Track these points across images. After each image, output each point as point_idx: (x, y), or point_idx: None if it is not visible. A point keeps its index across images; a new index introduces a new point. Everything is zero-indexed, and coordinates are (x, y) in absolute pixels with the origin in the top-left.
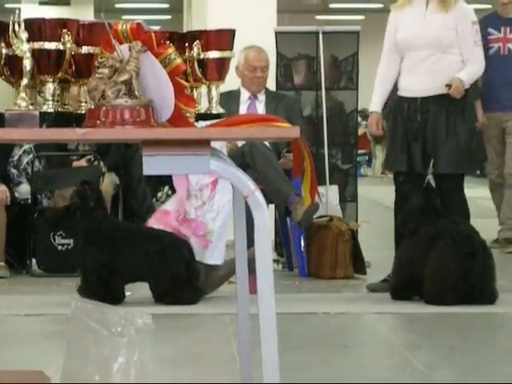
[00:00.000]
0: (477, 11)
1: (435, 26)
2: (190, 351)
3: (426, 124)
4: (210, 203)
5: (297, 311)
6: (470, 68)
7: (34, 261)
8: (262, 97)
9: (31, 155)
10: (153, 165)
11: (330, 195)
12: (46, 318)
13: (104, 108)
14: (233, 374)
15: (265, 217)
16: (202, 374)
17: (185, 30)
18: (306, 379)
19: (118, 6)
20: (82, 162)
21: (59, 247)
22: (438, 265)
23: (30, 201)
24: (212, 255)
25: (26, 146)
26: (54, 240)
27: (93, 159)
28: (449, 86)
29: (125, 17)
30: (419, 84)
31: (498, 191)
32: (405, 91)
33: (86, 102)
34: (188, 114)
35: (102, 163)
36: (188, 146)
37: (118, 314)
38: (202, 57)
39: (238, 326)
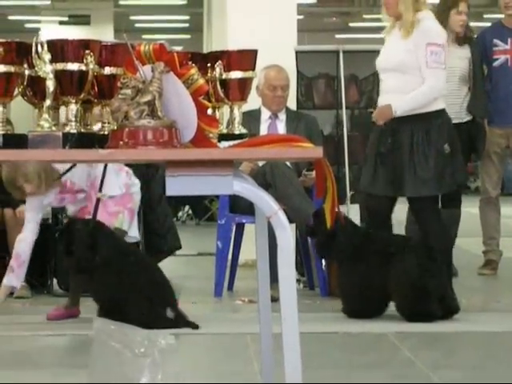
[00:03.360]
0: None
1: (396, 50)
2: (212, 371)
3: (393, 146)
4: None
5: (318, 331)
6: (416, 92)
7: (54, 281)
8: (282, 116)
9: None
10: (176, 185)
11: (350, 215)
12: (67, 337)
13: (127, 129)
14: None
15: (288, 237)
16: None
17: (205, 50)
18: None
19: (137, 25)
20: None
21: None
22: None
23: (50, 221)
24: (135, 228)
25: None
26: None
27: None
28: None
29: (145, 36)
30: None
31: (491, 210)
32: None
33: (108, 123)
34: (211, 135)
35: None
36: (211, 167)
37: (140, 334)
38: (224, 77)
39: (260, 346)
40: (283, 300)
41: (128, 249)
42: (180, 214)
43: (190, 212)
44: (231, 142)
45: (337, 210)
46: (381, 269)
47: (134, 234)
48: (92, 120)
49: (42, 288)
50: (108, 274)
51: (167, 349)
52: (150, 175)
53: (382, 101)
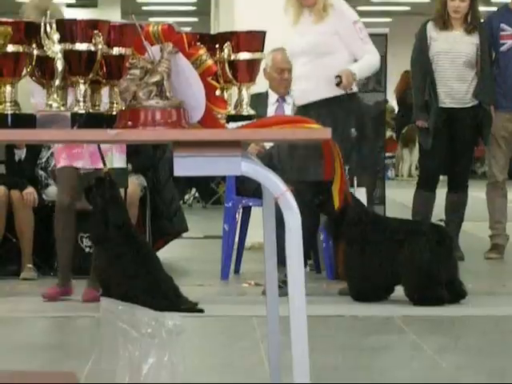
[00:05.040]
0: None
1: (314, 34)
2: (218, 353)
3: None
4: None
5: (324, 314)
6: (361, 62)
7: None
8: (289, 99)
9: None
10: (184, 166)
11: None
12: (73, 319)
13: (135, 109)
14: (262, 376)
15: (296, 217)
16: (231, 376)
17: (212, 32)
18: (332, 382)
19: (145, 8)
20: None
21: (86, 249)
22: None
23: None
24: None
25: (54, 148)
26: (81, 241)
27: None
28: (339, 76)
29: (152, 19)
30: (301, 91)
31: (498, 194)
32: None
33: (117, 103)
34: (219, 116)
35: (129, 165)
36: (219, 148)
37: (147, 315)
38: (232, 58)
39: (267, 329)
40: (291, 282)
41: (133, 234)
42: (187, 196)
43: (197, 195)
44: (239, 123)
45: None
46: (389, 252)
47: (121, 164)
48: (100, 101)
49: (48, 270)
50: (111, 258)
51: (174, 330)
52: (157, 158)
53: (301, 87)
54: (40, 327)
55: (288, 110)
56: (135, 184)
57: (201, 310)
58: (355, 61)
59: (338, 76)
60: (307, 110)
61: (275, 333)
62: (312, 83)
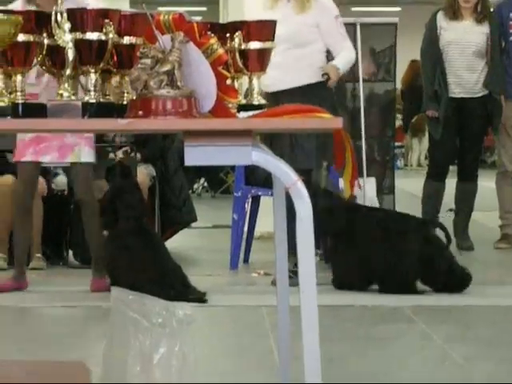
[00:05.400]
0: None
1: (295, 23)
2: (227, 343)
3: None
4: None
5: (333, 303)
6: (342, 58)
7: (70, 252)
8: None
9: None
10: (194, 155)
11: (367, 187)
12: (82, 309)
13: (146, 98)
14: (271, 366)
15: (307, 207)
16: (240, 365)
17: (221, 21)
18: (342, 371)
19: None
20: (119, 154)
21: None
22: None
23: (66, 192)
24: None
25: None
26: None
27: (129, 151)
28: (326, 74)
29: (161, 8)
30: (274, 78)
31: (507, 184)
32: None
33: (127, 93)
34: (230, 105)
35: (138, 155)
36: (230, 137)
37: (158, 304)
38: (243, 47)
39: (277, 319)
40: (302, 272)
41: (142, 224)
42: (195, 186)
43: (206, 184)
44: (250, 113)
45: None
46: (376, 246)
47: (89, 159)
48: (110, 90)
49: (58, 259)
50: (119, 248)
51: (185, 319)
52: (166, 147)
53: (274, 74)
54: (49, 317)
55: None
56: (144, 174)
57: (206, 301)
58: (328, 52)
59: (325, 73)
60: (278, 98)
61: (285, 322)
62: (286, 72)
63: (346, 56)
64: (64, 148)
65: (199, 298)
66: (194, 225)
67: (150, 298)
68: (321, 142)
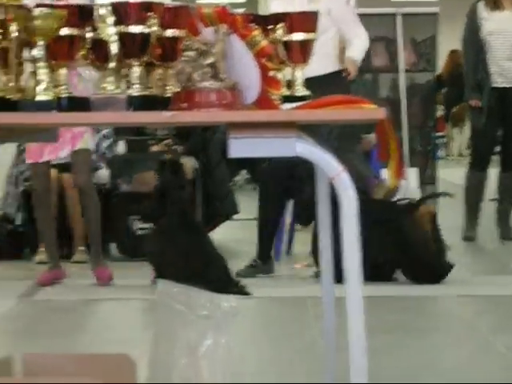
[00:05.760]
0: None
1: None
2: (271, 334)
3: None
4: None
5: (375, 294)
6: (355, 46)
7: (112, 245)
8: None
9: (110, 140)
10: (238, 147)
11: (409, 178)
12: (126, 302)
13: (190, 91)
14: (316, 357)
15: (351, 198)
16: (285, 356)
17: (260, 13)
18: (384, 363)
19: None
20: (161, 147)
21: (138, 232)
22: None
23: (109, 185)
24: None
25: (105, 131)
26: (133, 225)
27: (171, 143)
28: (346, 70)
29: (199, 1)
30: None
31: None
32: None
33: (171, 86)
34: (274, 97)
35: (180, 147)
36: (274, 129)
37: (203, 297)
38: (286, 39)
39: (323, 310)
40: (347, 263)
41: (187, 217)
42: (237, 178)
43: (248, 176)
44: (294, 104)
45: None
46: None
47: (92, 146)
48: (154, 83)
49: (102, 252)
50: (165, 242)
51: (230, 311)
52: (208, 139)
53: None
54: (92, 310)
55: None
56: (186, 166)
57: (249, 293)
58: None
59: (345, 69)
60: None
61: (330, 314)
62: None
63: (359, 44)
64: (74, 137)
65: (242, 290)
66: (235, 217)
67: (196, 290)
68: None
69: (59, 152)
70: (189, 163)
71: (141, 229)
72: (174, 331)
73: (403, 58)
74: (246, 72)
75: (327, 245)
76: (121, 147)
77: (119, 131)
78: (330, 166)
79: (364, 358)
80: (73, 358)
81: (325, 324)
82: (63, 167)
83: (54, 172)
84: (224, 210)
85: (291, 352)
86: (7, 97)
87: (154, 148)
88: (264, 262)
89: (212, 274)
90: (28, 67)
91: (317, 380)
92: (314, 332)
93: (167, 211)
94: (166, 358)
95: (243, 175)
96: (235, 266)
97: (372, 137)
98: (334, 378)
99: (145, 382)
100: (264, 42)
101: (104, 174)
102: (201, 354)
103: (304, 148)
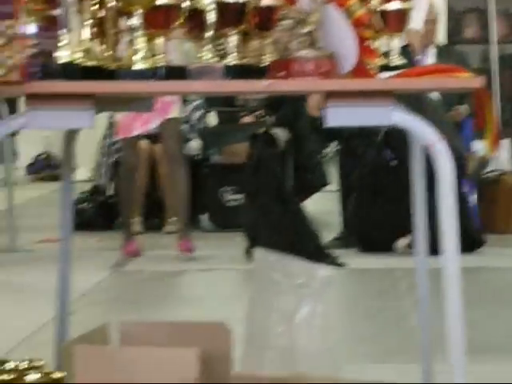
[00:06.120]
0: None
1: None
2: (364, 305)
3: None
4: None
5: (467, 265)
6: (414, 15)
7: (204, 216)
8: (432, 51)
9: (202, 111)
10: (335, 116)
11: (502, 149)
12: (217, 272)
13: (287, 60)
14: (408, 329)
15: (448, 167)
16: (377, 328)
17: None
18: (474, 334)
19: None
20: (252, 118)
21: (229, 203)
22: None
23: (200, 157)
24: None
25: (196, 103)
26: (224, 196)
27: (262, 115)
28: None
29: None
30: None
31: None
32: None
33: (267, 55)
34: (370, 66)
35: (270, 119)
36: (371, 98)
37: (300, 265)
38: (382, 8)
39: (416, 281)
40: (444, 233)
41: (282, 189)
42: (327, 150)
43: (338, 148)
44: (390, 73)
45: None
46: (397, 202)
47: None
48: (250, 52)
49: (192, 223)
50: (260, 214)
51: (326, 281)
52: (298, 111)
53: None
54: (190, 280)
55: (430, 63)
56: (277, 137)
57: (342, 264)
58: None
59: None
60: None
61: (424, 285)
62: None
63: (419, 13)
64: (164, 108)
65: (335, 261)
66: (326, 188)
67: (292, 259)
68: None
69: (149, 125)
70: (280, 135)
71: (232, 200)
72: (270, 299)
73: (495, 29)
74: (343, 41)
75: (422, 216)
76: (212, 118)
77: (210, 103)
78: (426, 135)
79: (461, 329)
80: (168, 326)
81: (419, 295)
82: (155, 138)
83: (145, 143)
84: (314, 182)
85: (383, 323)
86: (104, 66)
87: (245, 119)
88: (351, 234)
89: (305, 246)
90: (125, 37)
91: (411, 351)
92: (405, 303)
93: (261, 183)
94: (262, 327)
95: (333, 147)
96: (325, 237)
97: (463, 108)
98: (429, 350)
99: (241, 350)
100: (361, 11)
101: (195, 145)
102: (297, 323)
103: (400, 117)
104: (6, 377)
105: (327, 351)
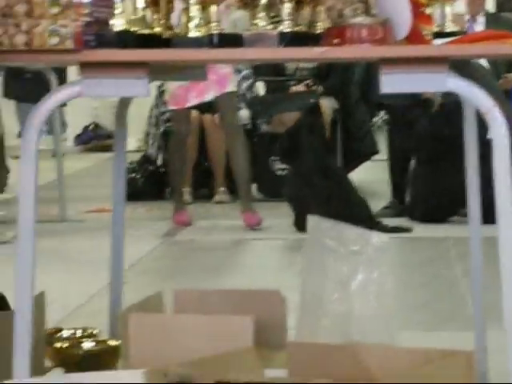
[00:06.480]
0: None
1: None
2: (416, 273)
3: None
4: None
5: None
6: None
7: (253, 186)
8: (480, 19)
9: (250, 81)
10: (390, 83)
11: None
12: (270, 241)
13: (341, 27)
14: (459, 296)
15: (503, 134)
16: (429, 295)
17: None
18: None
19: None
20: (301, 87)
21: (278, 172)
22: None
23: (249, 126)
24: None
25: (245, 72)
26: (273, 165)
27: (311, 84)
28: None
29: None
30: None
31: None
32: None
33: (321, 22)
34: (425, 32)
35: (319, 88)
36: (426, 64)
37: (354, 232)
38: None
39: (469, 249)
40: (499, 201)
41: (326, 160)
42: (375, 119)
43: (386, 117)
44: (445, 40)
45: None
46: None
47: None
48: (303, 19)
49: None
50: (303, 184)
51: (381, 247)
52: (348, 79)
53: None
54: (238, 249)
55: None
56: (326, 106)
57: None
58: None
59: None
60: None
61: (477, 253)
62: None
63: None
64: (222, 79)
65: (386, 230)
66: (375, 157)
67: (346, 225)
68: None
69: (205, 96)
70: (328, 104)
71: (281, 169)
72: (325, 266)
73: None
74: (398, 7)
75: (475, 185)
76: (260, 88)
77: (259, 72)
78: (482, 101)
79: None
80: (222, 294)
81: (472, 263)
82: (204, 108)
83: (194, 113)
84: (364, 151)
85: (435, 291)
86: (159, 34)
87: (294, 88)
88: (400, 203)
89: (354, 216)
90: (179, 4)
91: (463, 318)
92: (456, 272)
93: (304, 153)
94: (317, 294)
95: (381, 116)
96: (376, 206)
97: None
98: (481, 317)
99: (296, 317)
100: None
101: (244, 114)
102: (352, 289)
103: (455, 83)
104: (63, 344)
105: (382, 318)
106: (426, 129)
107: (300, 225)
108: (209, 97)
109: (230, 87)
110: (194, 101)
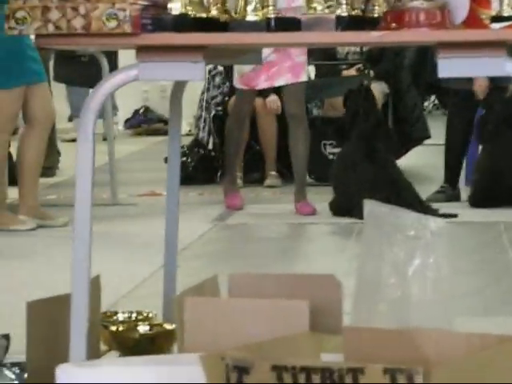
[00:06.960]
0: None
1: None
2: (467, 259)
3: None
4: None
5: None
6: None
7: None
8: None
9: None
10: (447, 67)
11: None
12: (323, 226)
13: (399, 11)
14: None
15: None
16: (481, 281)
17: None
18: None
19: None
20: (352, 71)
21: (330, 156)
22: None
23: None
24: None
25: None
26: (325, 149)
27: (362, 68)
28: None
29: None
30: None
31: None
32: None
33: (378, 6)
34: (483, 16)
35: (371, 72)
36: (483, 48)
37: (411, 217)
38: None
39: None
40: None
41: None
42: (426, 103)
43: (437, 102)
44: (503, 24)
45: None
46: None
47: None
48: (360, 4)
49: (292, 177)
50: (348, 168)
51: (438, 232)
52: (399, 64)
53: None
54: (289, 234)
55: None
56: (377, 91)
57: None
58: None
59: None
60: None
61: None
62: None
63: None
64: (297, 68)
65: (437, 214)
66: (426, 142)
67: (403, 210)
68: None
69: (275, 80)
70: (379, 88)
71: (332, 153)
72: (381, 251)
73: None
74: None
75: None
76: (311, 72)
77: (310, 56)
78: None
79: None
80: (277, 278)
81: None
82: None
83: None
84: (415, 135)
85: (487, 276)
86: (216, 18)
87: (345, 72)
88: (453, 188)
89: (402, 200)
90: None
91: None
92: (508, 256)
93: (352, 138)
94: (374, 278)
95: (432, 101)
96: (427, 191)
97: None
98: None
99: (351, 302)
100: None
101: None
102: (410, 274)
103: None
104: (118, 328)
105: (439, 304)
106: (499, 114)
107: (335, 208)
108: (280, 82)
109: (304, 77)
110: (263, 84)
